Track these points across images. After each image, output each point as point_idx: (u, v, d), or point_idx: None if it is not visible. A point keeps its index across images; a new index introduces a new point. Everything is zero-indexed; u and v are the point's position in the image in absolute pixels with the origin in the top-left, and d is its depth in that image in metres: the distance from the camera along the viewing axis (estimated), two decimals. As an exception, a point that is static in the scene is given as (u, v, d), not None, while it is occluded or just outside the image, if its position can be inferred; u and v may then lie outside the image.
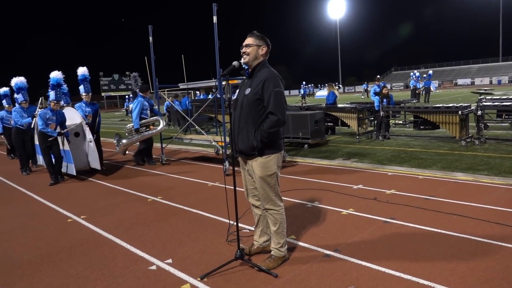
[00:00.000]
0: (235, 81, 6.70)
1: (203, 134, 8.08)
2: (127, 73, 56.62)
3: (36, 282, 3.10)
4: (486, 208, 4.14)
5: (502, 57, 60.97)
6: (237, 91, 3.24)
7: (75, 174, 6.95)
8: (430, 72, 23.81)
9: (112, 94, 56.51)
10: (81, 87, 7.70)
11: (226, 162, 6.59)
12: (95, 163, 7.29)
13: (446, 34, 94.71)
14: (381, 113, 9.47)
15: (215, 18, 6.37)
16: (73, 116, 7.51)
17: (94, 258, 3.50)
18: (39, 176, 7.74)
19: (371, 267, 2.96)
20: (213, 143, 7.40)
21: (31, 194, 6.19)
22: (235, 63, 3.01)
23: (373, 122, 10.02)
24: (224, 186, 5.86)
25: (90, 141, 7.24)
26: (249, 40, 3.00)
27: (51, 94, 6.74)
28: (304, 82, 39.75)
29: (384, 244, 3.37)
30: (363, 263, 3.03)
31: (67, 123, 7.16)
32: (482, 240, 3.33)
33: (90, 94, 7.73)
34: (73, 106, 8.10)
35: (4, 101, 9.75)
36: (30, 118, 8.00)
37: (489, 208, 4.12)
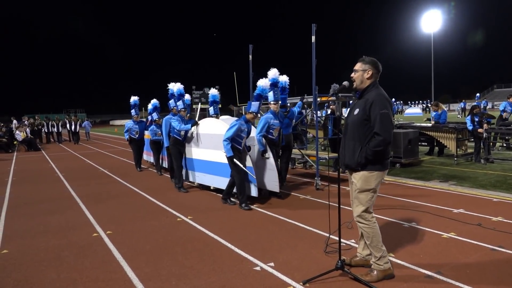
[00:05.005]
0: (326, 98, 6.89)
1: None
2: (216, 87, 60.00)
3: (160, 268, 3.60)
4: None
5: None
6: (348, 110, 3.43)
7: (256, 195, 5.95)
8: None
9: (203, 106, 60.23)
10: (179, 103, 7.32)
11: (319, 177, 6.78)
12: (273, 185, 6.07)
13: None
14: (484, 134, 8.83)
15: (313, 38, 6.66)
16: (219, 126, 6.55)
17: (204, 254, 3.93)
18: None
19: (479, 292, 2.89)
20: (305, 158, 7.62)
21: (145, 195, 7.03)
22: (345, 83, 3.23)
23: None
24: (314, 199, 6.05)
25: (268, 158, 6.07)
26: (356, 66, 3.21)
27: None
28: (393, 99, 38.15)
29: (492, 271, 3.24)
30: (469, 287, 2.97)
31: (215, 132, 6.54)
32: None
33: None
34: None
35: (132, 111, 10.00)
36: (189, 125, 7.10)
37: None
